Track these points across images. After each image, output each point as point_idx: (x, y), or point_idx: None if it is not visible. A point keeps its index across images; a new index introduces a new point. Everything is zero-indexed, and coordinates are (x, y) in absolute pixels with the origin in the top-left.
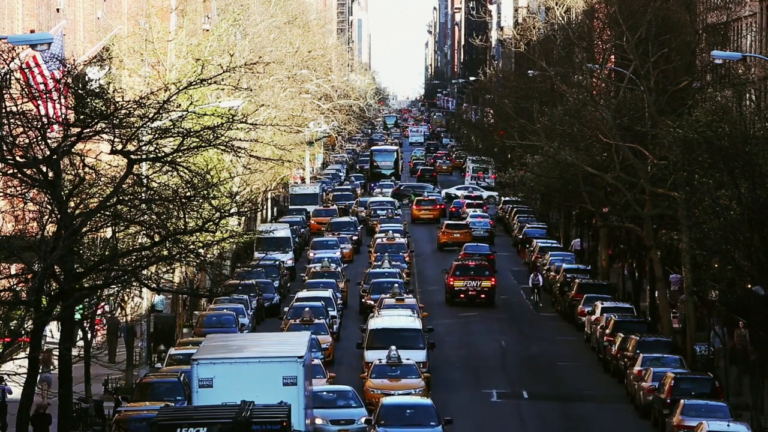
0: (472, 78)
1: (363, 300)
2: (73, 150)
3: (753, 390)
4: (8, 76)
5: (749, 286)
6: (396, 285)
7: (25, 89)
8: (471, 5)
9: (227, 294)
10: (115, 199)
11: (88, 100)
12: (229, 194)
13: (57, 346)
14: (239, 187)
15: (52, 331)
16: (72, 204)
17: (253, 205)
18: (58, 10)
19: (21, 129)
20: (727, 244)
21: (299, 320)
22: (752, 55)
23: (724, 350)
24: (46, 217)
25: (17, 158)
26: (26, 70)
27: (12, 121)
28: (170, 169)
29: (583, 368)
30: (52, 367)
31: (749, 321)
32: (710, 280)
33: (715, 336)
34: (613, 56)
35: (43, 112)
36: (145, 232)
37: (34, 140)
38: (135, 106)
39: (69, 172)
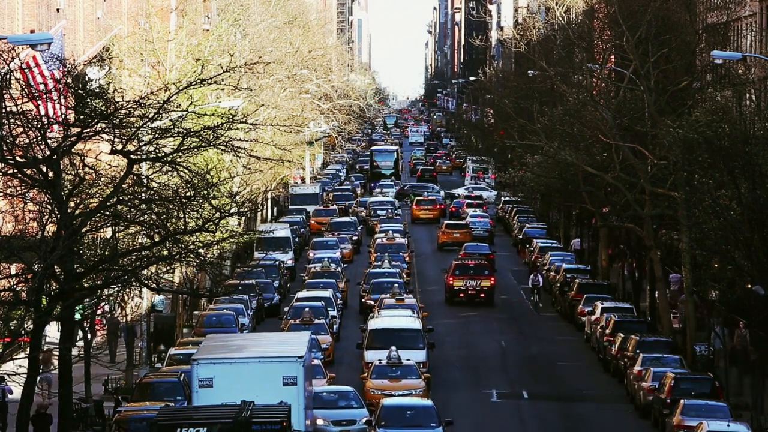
0: (472, 78)
1: (363, 300)
2: (73, 150)
3: (753, 390)
4: (8, 76)
5: (749, 286)
6: (396, 285)
7: (25, 89)
8: (471, 5)
9: (227, 294)
10: (115, 199)
11: (88, 100)
12: (229, 194)
13: (57, 346)
14: (239, 187)
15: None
16: (72, 204)
17: (253, 205)
18: (58, 10)
19: (21, 129)
20: (727, 244)
21: (299, 320)
22: (752, 55)
23: (724, 350)
24: (46, 217)
25: (17, 158)
26: (26, 70)
27: (12, 121)
28: (170, 169)
29: (583, 368)
30: (52, 367)
31: (749, 321)
32: (710, 280)
33: (715, 336)
34: (613, 56)
35: (43, 112)
36: (145, 232)
37: (34, 140)
38: (135, 106)
39: (69, 172)
